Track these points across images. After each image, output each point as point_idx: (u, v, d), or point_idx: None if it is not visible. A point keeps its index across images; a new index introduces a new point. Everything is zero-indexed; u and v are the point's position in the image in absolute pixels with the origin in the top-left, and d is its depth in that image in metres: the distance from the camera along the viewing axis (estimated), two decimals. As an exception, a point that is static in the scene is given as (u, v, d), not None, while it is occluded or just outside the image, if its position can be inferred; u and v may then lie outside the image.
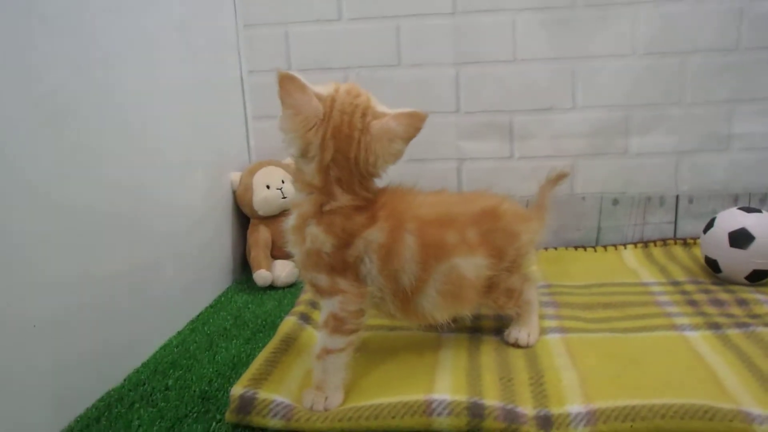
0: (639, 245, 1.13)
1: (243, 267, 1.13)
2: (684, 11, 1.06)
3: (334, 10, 1.13)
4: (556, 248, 1.15)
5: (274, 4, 1.14)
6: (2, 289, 0.55)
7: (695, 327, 0.77)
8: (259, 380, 0.66)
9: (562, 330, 0.79)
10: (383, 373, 0.69)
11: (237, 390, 0.63)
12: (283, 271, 1.05)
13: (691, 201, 1.14)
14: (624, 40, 1.08)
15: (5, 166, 0.56)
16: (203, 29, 1.01)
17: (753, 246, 0.87)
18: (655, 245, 1.13)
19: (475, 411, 0.59)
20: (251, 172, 1.10)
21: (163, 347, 0.82)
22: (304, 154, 0.61)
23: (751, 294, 0.86)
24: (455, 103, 1.15)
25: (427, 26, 1.12)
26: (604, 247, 1.15)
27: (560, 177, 0.89)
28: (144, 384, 0.71)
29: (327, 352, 0.63)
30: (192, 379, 0.72)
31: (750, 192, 1.12)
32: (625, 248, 1.13)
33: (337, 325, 0.62)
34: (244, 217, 1.13)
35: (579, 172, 1.15)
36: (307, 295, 0.90)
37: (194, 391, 0.69)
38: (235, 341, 0.83)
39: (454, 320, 0.72)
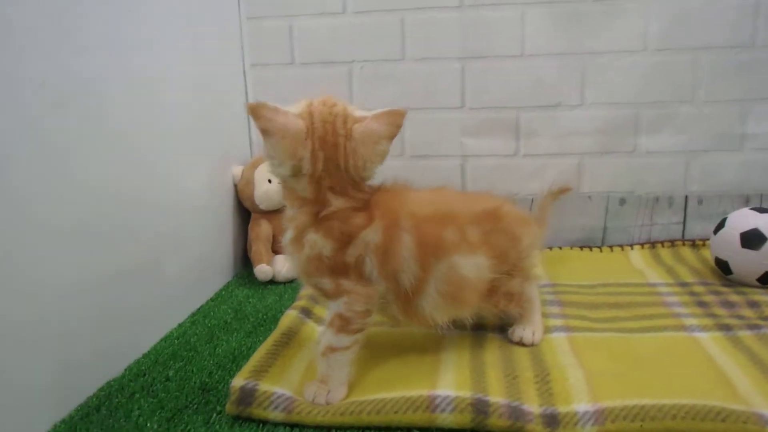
0: (646, 246, 1.12)
1: (244, 261, 1.13)
2: (697, 6, 1.04)
3: (338, 3, 1.12)
4: (560, 248, 1.14)
5: (278, -4, 1.14)
6: (3, 282, 0.55)
7: (705, 328, 0.76)
8: (260, 372, 0.65)
9: (568, 329, 0.77)
10: (386, 368, 0.68)
11: (237, 382, 0.63)
12: (284, 266, 1.04)
13: (700, 202, 1.13)
14: (635, 36, 1.07)
15: (5, 161, 0.56)
16: (206, 22, 1.00)
17: (765, 247, 0.85)
18: (663, 246, 1.11)
19: (480, 407, 0.58)
20: (253, 165, 1.09)
21: (164, 339, 0.81)
22: (296, 173, 0.60)
23: (762, 296, 0.85)
24: (460, 98, 1.14)
25: (433, 20, 1.11)
26: (610, 247, 1.13)
27: (562, 191, 0.88)
28: (144, 375, 0.70)
29: (332, 350, 0.62)
30: (192, 370, 0.71)
31: (762, 193, 1.10)
32: (632, 249, 1.12)
33: (342, 324, 0.62)
34: (245, 211, 1.12)
35: (586, 170, 1.14)
36: (308, 290, 0.89)
37: (194, 383, 0.68)
38: (235, 334, 0.82)
39: (454, 323, 0.71)
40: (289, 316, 0.81)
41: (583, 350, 0.71)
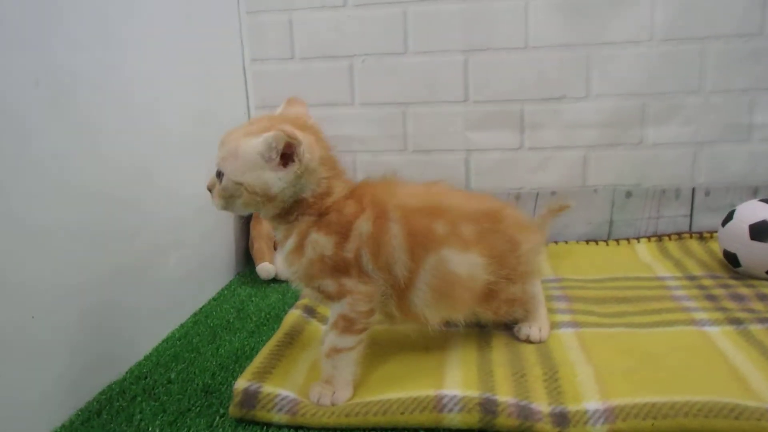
0: (653, 239, 1.10)
1: (246, 259, 1.12)
2: (704, -5, 1.02)
3: (339, -5, 1.10)
4: (566, 242, 1.13)
5: (277, -11, 1.12)
6: (1, 285, 0.54)
7: (715, 322, 0.74)
8: (263, 374, 0.64)
9: (575, 324, 0.76)
10: (391, 368, 0.67)
11: (241, 384, 0.62)
12: (287, 263, 1.03)
13: (707, 193, 1.11)
14: (640, 26, 1.05)
15: (4, 156, 0.54)
16: (204, 16, 0.98)
17: (775, 239, 0.84)
18: (670, 239, 1.10)
19: (488, 407, 0.57)
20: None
21: (166, 340, 0.80)
22: (315, 179, 0.61)
23: (772, 289, 0.83)
24: (464, 92, 1.12)
25: (436, 12, 1.09)
26: (617, 240, 1.12)
27: (561, 208, 0.88)
28: (146, 377, 0.69)
29: (337, 351, 0.62)
30: (195, 372, 0.70)
31: (770, 184, 1.09)
32: (639, 242, 1.10)
33: (347, 325, 0.61)
34: (247, 209, 1.11)
35: (591, 163, 1.12)
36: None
37: (197, 385, 0.67)
38: (238, 334, 0.81)
39: (447, 324, 0.70)
40: (293, 316, 0.80)
41: (591, 346, 0.70)
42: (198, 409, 0.63)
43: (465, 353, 0.70)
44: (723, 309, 0.78)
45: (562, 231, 1.13)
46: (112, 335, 0.70)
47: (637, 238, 1.11)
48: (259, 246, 1.05)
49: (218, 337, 0.80)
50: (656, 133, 1.10)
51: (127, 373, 0.71)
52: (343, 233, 0.61)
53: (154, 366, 0.72)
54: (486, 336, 0.75)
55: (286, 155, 0.58)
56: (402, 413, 0.57)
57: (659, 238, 1.10)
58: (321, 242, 0.61)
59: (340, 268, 0.61)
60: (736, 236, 0.88)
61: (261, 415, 0.59)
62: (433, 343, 0.72)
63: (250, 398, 0.60)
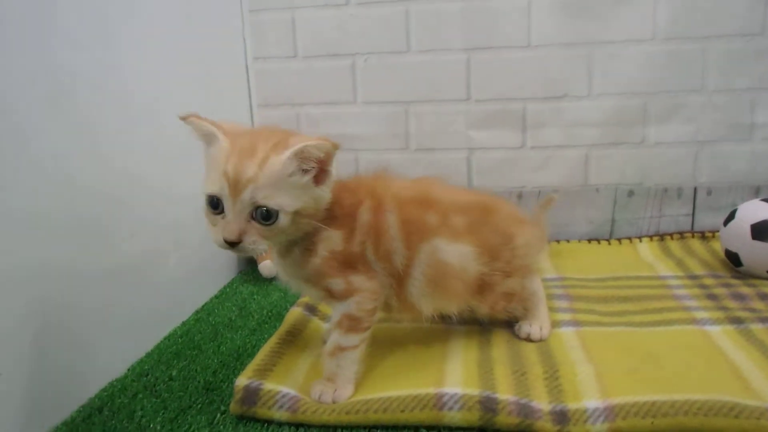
0: (655, 238, 1.10)
1: (248, 258, 1.12)
2: (706, -7, 1.02)
3: (342, -6, 1.10)
4: (568, 241, 1.13)
5: (280, -12, 1.12)
6: (2, 280, 0.54)
7: (716, 321, 0.74)
8: (265, 371, 0.65)
9: (576, 323, 0.76)
10: (392, 365, 0.67)
11: (242, 381, 0.62)
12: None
13: (709, 193, 1.11)
14: (643, 25, 1.05)
15: (4, 156, 0.55)
16: (207, 14, 0.98)
17: (776, 238, 0.84)
18: (672, 238, 1.09)
19: (488, 405, 0.57)
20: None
21: (168, 337, 0.80)
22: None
23: (774, 288, 0.83)
24: (466, 90, 1.12)
25: (438, 11, 1.09)
26: (619, 240, 1.12)
27: (549, 202, 0.89)
28: (147, 374, 0.70)
29: (341, 349, 0.62)
30: (196, 369, 0.71)
31: (772, 184, 1.09)
32: (641, 241, 1.10)
33: (352, 324, 0.62)
34: (249, 207, 1.11)
35: (593, 162, 1.12)
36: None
37: (198, 382, 0.68)
38: (240, 332, 0.81)
39: (442, 317, 0.70)
40: (294, 313, 0.80)
41: (592, 345, 0.70)
42: (199, 406, 0.63)
43: (465, 351, 0.70)
44: (724, 308, 0.78)
45: (563, 230, 1.13)
46: (115, 332, 0.70)
47: (639, 237, 1.11)
48: (261, 244, 1.05)
49: (220, 334, 0.81)
50: (658, 132, 1.09)
51: (128, 370, 0.71)
52: (350, 225, 0.62)
53: (156, 363, 0.72)
54: (487, 334, 0.75)
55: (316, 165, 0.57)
56: (402, 411, 0.57)
57: (661, 237, 1.10)
58: (333, 237, 0.61)
59: (348, 262, 0.61)
60: (737, 236, 0.88)
61: (262, 412, 0.60)
62: (434, 341, 0.72)
63: (251, 395, 0.60)
